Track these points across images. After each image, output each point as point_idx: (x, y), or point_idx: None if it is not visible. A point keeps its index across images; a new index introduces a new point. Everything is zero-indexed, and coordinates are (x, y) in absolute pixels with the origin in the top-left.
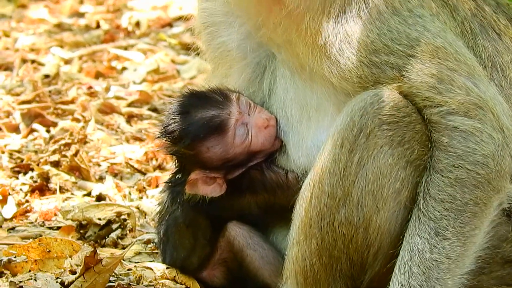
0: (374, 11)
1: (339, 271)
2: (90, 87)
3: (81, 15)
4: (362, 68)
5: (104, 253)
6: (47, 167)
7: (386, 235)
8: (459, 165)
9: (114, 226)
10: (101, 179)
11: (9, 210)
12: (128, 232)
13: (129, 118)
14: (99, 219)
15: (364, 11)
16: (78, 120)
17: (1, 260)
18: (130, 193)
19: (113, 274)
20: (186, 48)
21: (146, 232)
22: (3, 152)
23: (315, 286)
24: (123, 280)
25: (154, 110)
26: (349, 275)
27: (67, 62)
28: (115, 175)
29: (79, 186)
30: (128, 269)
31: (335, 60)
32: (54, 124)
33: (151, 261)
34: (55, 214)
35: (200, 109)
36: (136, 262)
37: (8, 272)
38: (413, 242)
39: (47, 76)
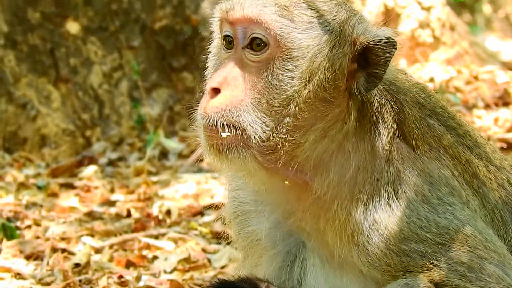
0: (404, 199)
1: None
2: (120, 276)
3: (112, 203)
4: (391, 256)
5: None
6: None
7: None
8: None
9: None
10: None
11: None
12: None
13: None
14: None
15: (393, 199)
16: None
17: None
18: None
19: None
20: (217, 237)
21: None
22: None
23: None
24: None
25: None
26: None
27: (98, 251)
28: None
29: None
30: None
31: (363, 248)
32: None
33: None
34: None
35: None
36: None
37: None
38: None
39: (77, 265)
